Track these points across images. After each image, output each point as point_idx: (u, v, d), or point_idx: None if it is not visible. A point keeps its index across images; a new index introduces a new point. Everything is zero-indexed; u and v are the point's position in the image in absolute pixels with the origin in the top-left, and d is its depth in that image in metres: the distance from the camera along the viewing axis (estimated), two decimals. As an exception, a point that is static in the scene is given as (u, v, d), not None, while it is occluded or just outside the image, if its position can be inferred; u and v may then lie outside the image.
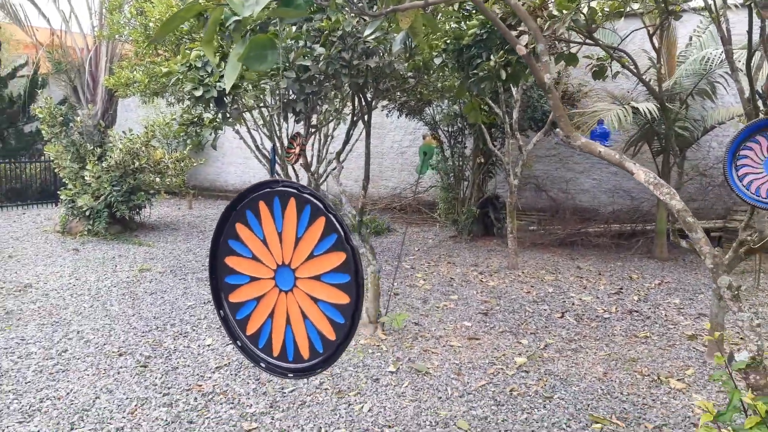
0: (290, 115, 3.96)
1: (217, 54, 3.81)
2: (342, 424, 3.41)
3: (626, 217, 9.10)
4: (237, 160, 13.87)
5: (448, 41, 4.35)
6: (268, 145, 7.46)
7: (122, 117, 13.67)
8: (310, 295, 1.28)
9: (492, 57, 3.90)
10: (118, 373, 4.11)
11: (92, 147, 9.29)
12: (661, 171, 7.80)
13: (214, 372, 4.13)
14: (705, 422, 1.50)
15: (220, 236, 1.47)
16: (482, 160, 8.93)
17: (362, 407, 3.59)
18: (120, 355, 4.43)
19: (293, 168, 7.58)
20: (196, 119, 4.32)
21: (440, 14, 4.36)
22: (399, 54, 4.04)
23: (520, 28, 3.90)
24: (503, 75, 3.85)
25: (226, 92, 3.77)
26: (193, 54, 3.80)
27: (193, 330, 4.96)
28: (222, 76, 3.73)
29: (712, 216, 8.62)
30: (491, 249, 8.33)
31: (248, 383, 3.93)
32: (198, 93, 3.63)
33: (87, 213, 8.93)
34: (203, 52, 3.86)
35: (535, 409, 3.57)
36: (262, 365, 1.40)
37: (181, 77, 3.77)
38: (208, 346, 4.62)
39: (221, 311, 1.49)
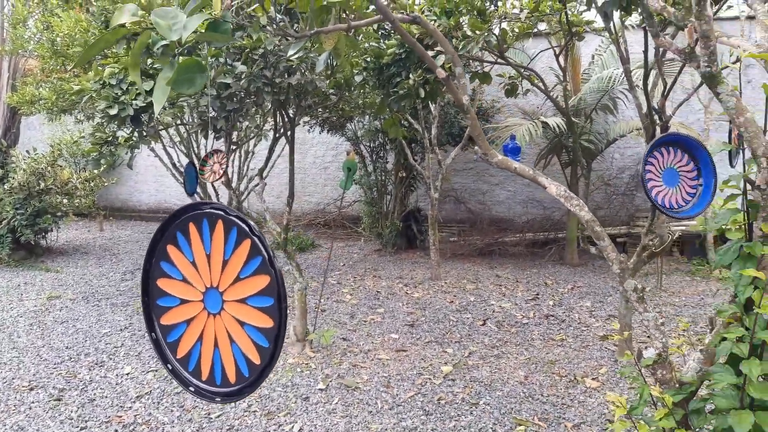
0: (210, 132, 3.90)
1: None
2: (272, 445, 3.36)
3: (539, 226, 9.54)
4: (151, 178, 13.37)
5: (369, 60, 4.45)
6: (186, 162, 7.28)
7: (25, 136, 12.83)
8: (237, 319, 1.29)
9: (411, 75, 4.02)
10: (30, 408, 3.86)
11: (-8, 168, 8.69)
12: (569, 182, 8.26)
13: (134, 402, 3.95)
14: (619, 416, 1.63)
15: (152, 257, 1.44)
16: (404, 175, 9.10)
17: (292, 427, 3.56)
18: (31, 389, 4.16)
19: (213, 186, 7.43)
20: (110, 138, 4.16)
21: (361, 35, 4.45)
22: (320, 72, 4.08)
23: (437, 48, 4.06)
24: (422, 93, 3.98)
25: (143, 110, 3.67)
26: (107, 71, 3.67)
27: (110, 359, 4.74)
28: (138, 94, 3.63)
29: (617, 223, 9.20)
30: (415, 261, 8.48)
31: (172, 411, 3.80)
32: (113, 111, 3.51)
33: (-13, 239, 8.31)
34: (117, 69, 3.75)
35: (463, 416, 3.68)
36: (191, 389, 1.38)
37: (94, 95, 3.63)
38: (127, 374, 4.42)
39: (153, 333, 1.46)
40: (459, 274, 7.55)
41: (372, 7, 2.57)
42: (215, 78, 3.35)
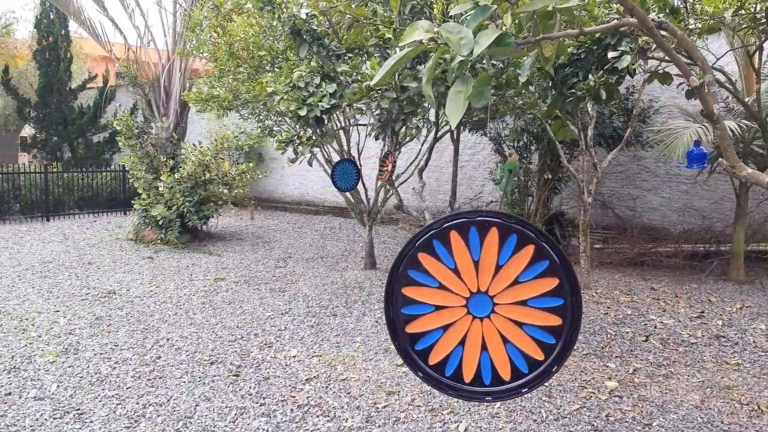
0: (389, 133, 4.03)
1: (319, 73, 3.92)
2: (440, 442, 3.42)
3: (698, 237, 8.84)
4: (295, 172, 14.12)
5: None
6: (335, 158, 7.61)
7: (186, 130, 14.15)
8: (512, 320, 1.31)
9: (591, 76, 3.88)
10: (213, 381, 4.24)
11: (165, 158, 9.64)
12: (738, 191, 7.57)
13: (305, 384, 4.20)
14: None
15: (397, 268, 1.49)
16: (549, 176, 8.84)
17: (458, 426, 3.60)
18: (211, 363, 4.56)
19: (363, 182, 7.67)
20: (294, 137, 4.45)
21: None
22: (494, 72, 4.06)
23: (621, 48, 3.88)
24: (603, 95, 3.83)
25: (327, 111, 3.87)
26: (295, 74, 3.92)
27: (277, 341, 5.07)
28: (324, 96, 3.84)
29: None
30: (559, 267, 8.22)
31: (340, 396, 3.99)
32: (303, 112, 3.74)
33: (160, 222, 9.24)
34: (305, 72, 3.99)
35: (635, 436, 3.50)
36: (451, 392, 1.43)
37: (285, 97, 3.89)
38: (294, 357, 4.71)
39: (397, 342, 1.52)
40: (609, 284, 7.20)
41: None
42: (402, 81, 3.46)
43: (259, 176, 10.88)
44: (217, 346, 4.94)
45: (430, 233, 1.43)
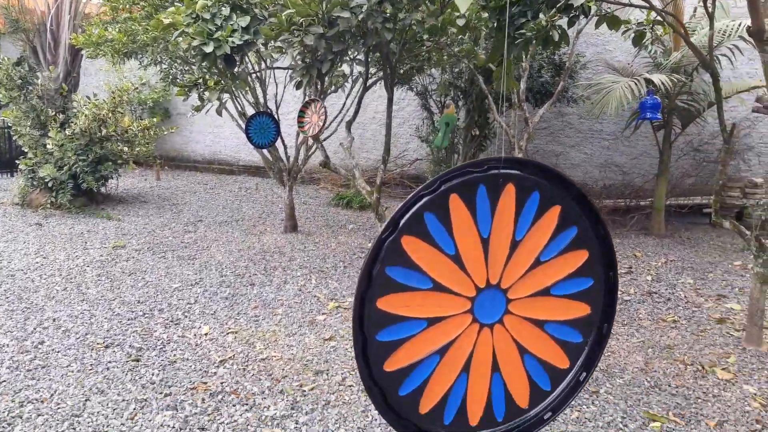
0: (314, 77, 3.45)
1: (228, 2, 3.28)
2: (377, 427, 3.02)
3: (619, 192, 8.91)
4: (206, 129, 13.08)
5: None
6: (250, 111, 6.89)
7: (82, 82, 12.69)
8: (531, 319, 0.86)
9: (542, 16, 3.47)
10: (108, 368, 3.62)
11: (54, 112, 8.49)
12: (662, 146, 7.59)
13: (218, 367, 3.67)
14: None
15: (371, 269, 0.92)
16: (476, 133, 8.54)
17: (397, 407, 3.21)
18: (106, 347, 3.92)
19: (282, 138, 7.01)
20: (198, 81, 3.76)
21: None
22: (433, 11, 3.55)
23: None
24: (555, 36, 3.43)
25: (238, 49, 3.23)
26: (199, 3, 3.23)
27: (185, 316, 4.47)
28: (234, 30, 3.19)
29: (706, 192, 8.50)
30: (487, 226, 8.02)
31: (260, 380, 3.50)
32: (208, 48, 3.08)
33: (50, 184, 8.18)
34: (211, 1, 3.31)
35: (584, 406, 3.28)
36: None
37: (187, 30, 3.21)
38: (205, 335, 4.15)
39: (372, 392, 0.97)
40: (538, 242, 7.06)
41: None
42: (330, 12, 2.88)
43: (165, 133, 9.90)
44: (113, 325, 4.28)
45: (421, 202, 0.89)
